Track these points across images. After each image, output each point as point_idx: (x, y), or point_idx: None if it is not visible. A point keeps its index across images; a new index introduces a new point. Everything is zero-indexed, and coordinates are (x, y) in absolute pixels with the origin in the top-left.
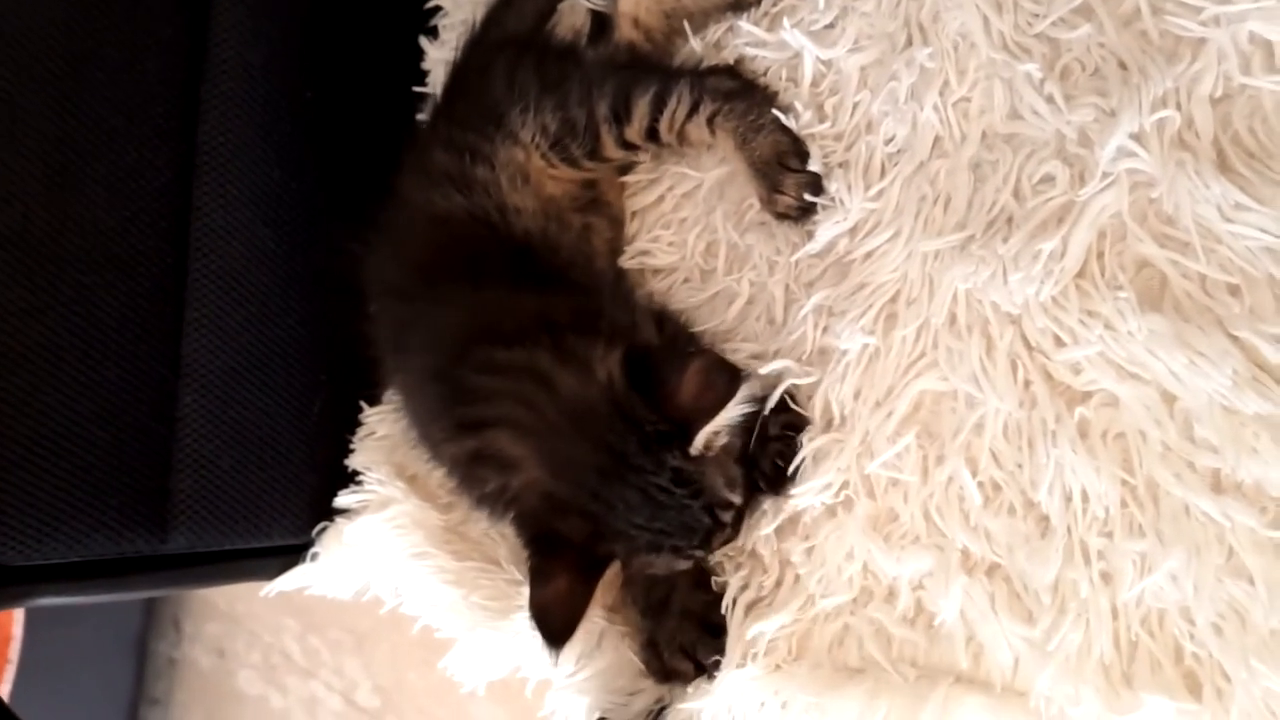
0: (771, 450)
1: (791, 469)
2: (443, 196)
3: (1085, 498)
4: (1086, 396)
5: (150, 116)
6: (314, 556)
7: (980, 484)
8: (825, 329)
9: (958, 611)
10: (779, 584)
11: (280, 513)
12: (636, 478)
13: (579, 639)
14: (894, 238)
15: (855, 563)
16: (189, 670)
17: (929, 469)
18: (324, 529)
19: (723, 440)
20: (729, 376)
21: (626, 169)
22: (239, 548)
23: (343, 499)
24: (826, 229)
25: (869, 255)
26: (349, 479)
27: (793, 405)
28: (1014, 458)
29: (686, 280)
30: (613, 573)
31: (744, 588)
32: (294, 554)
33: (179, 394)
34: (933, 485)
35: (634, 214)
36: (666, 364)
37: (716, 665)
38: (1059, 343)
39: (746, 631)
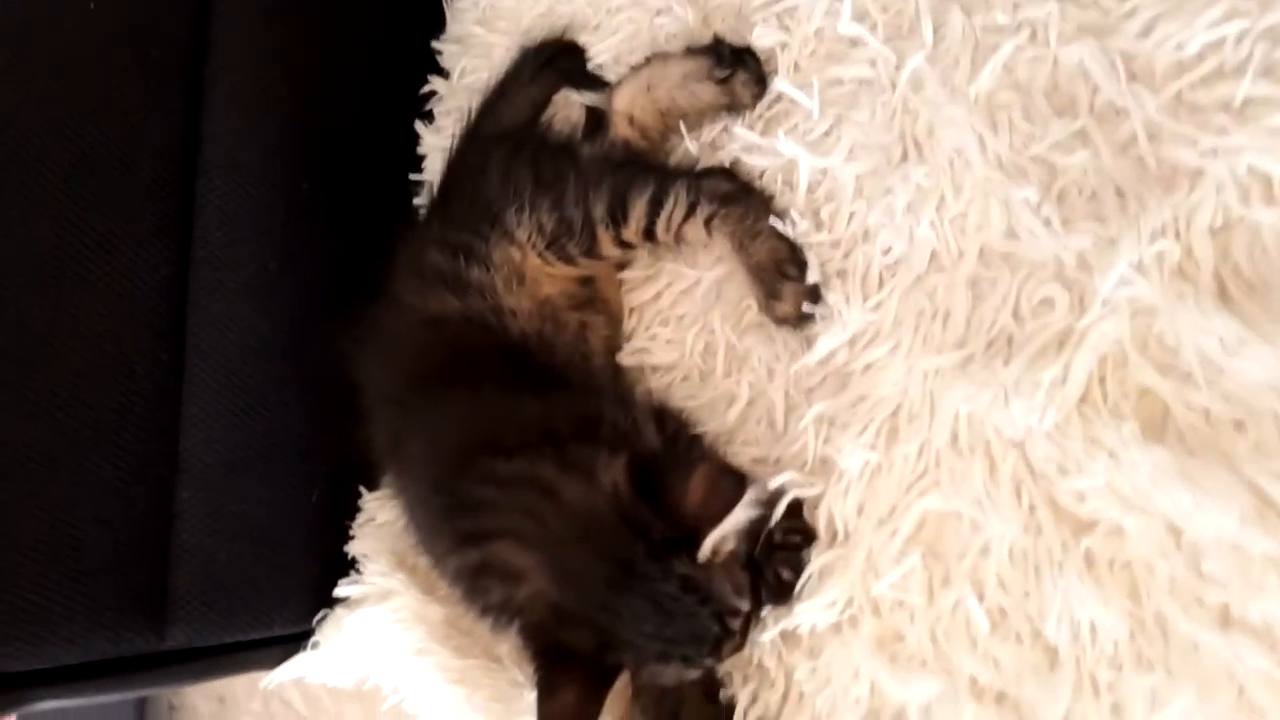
0: (778, 560)
1: (800, 583)
2: (437, 299)
3: (1094, 630)
4: (1092, 525)
5: (145, 217)
6: (314, 645)
7: (987, 610)
8: (827, 440)
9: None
10: (785, 699)
11: (280, 602)
12: (644, 586)
13: None
14: (893, 350)
15: (862, 683)
16: None
17: (934, 591)
18: (324, 617)
19: (730, 546)
20: (735, 482)
21: (624, 264)
22: (239, 640)
23: (343, 589)
24: (825, 340)
25: (869, 367)
26: (349, 565)
27: (796, 515)
28: (1021, 585)
29: (685, 379)
30: (622, 683)
31: (753, 701)
32: (295, 643)
33: (176, 490)
34: (939, 609)
35: (632, 310)
36: (671, 471)
37: None
38: (1063, 470)
39: None
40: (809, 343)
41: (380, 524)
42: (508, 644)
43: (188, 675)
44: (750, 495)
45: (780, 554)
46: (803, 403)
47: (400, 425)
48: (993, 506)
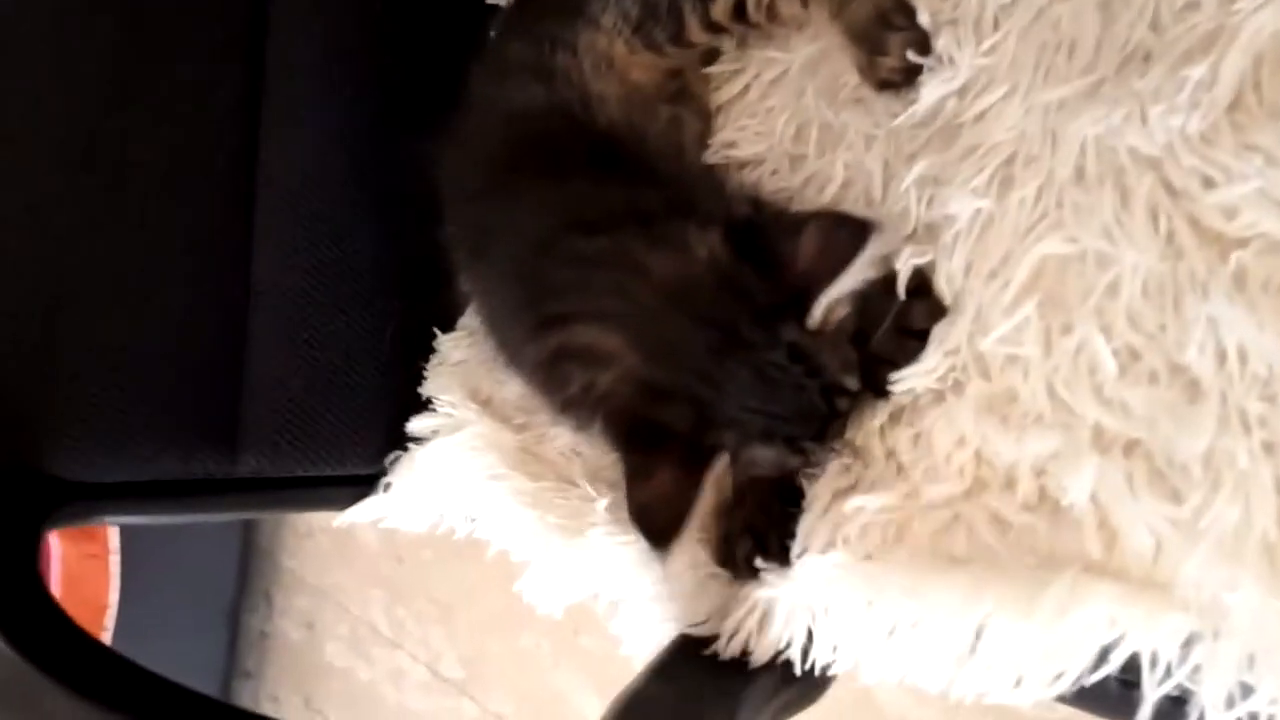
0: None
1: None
2: (519, 88)
3: (1243, 357)
4: (1243, 243)
5: (216, 31)
6: (387, 487)
7: (1115, 351)
8: (930, 200)
9: (1088, 494)
10: (881, 478)
11: (353, 440)
12: (749, 354)
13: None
14: (1010, 94)
15: (967, 449)
16: (279, 643)
17: (1053, 340)
18: (397, 458)
19: (842, 312)
20: (854, 229)
21: (711, 58)
22: (310, 474)
23: (415, 424)
24: (932, 89)
25: (981, 116)
26: (423, 407)
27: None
28: (1156, 319)
29: (775, 172)
30: (721, 467)
31: (843, 472)
32: (367, 484)
33: (249, 316)
34: (1058, 358)
35: (719, 109)
36: (776, 229)
37: (786, 551)
38: (1208, 184)
39: (844, 507)
40: (914, 103)
41: (455, 364)
42: (579, 465)
43: (257, 504)
44: (871, 248)
45: (911, 343)
46: (903, 169)
47: (481, 220)
48: (1125, 237)
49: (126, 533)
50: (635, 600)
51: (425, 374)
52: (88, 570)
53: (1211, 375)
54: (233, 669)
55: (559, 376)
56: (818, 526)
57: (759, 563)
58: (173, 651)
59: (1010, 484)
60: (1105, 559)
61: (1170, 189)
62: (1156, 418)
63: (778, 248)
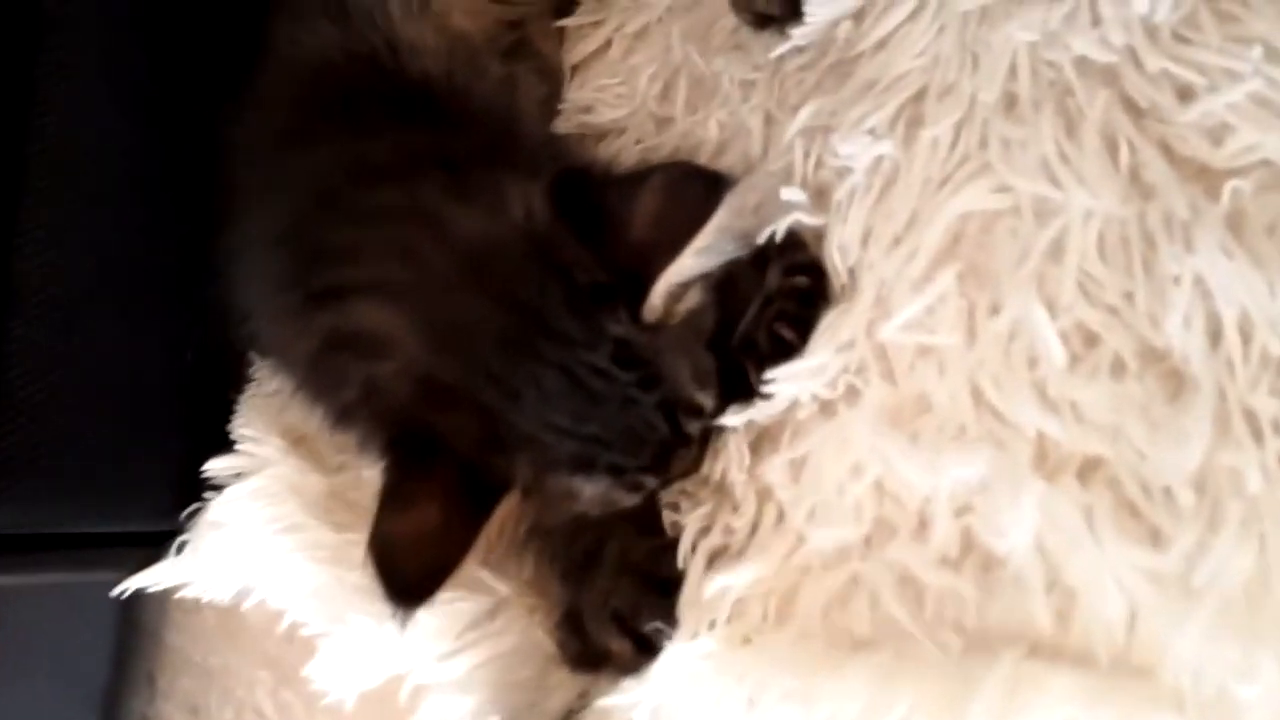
0: (772, 315)
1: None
2: (310, 32)
3: (1245, 332)
4: (1238, 173)
5: None
6: (181, 547)
7: (1062, 334)
8: (819, 155)
9: (1031, 540)
10: (756, 526)
11: (140, 488)
12: (558, 351)
13: (455, 611)
14: (918, 9)
15: (864, 479)
16: None
17: (977, 323)
18: (195, 509)
19: (692, 302)
20: (706, 185)
21: (564, 8)
22: (84, 531)
23: (213, 466)
24: (821, 10)
25: (882, 43)
26: (231, 447)
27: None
28: (1119, 285)
29: (639, 141)
30: (507, 509)
31: (705, 529)
32: (156, 544)
33: (7, 324)
34: (984, 347)
35: (574, 69)
36: (615, 186)
37: (660, 636)
38: (1185, 95)
39: (706, 589)
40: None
41: (273, 393)
42: None
43: (14, 568)
44: (728, 207)
45: (780, 303)
46: (788, 120)
47: (249, 181)
48: (1072, 177)
49: None
50: (441, 686)
51: (237, 406)
52: None
53: (1201, 359)
54: None
55: (333, 373)
56: (685, 609)
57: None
58: None
59: (923, 527)
60: (1059, 635)
61: (1132, 108)
62: (1124, 425)
63: (614, 208)
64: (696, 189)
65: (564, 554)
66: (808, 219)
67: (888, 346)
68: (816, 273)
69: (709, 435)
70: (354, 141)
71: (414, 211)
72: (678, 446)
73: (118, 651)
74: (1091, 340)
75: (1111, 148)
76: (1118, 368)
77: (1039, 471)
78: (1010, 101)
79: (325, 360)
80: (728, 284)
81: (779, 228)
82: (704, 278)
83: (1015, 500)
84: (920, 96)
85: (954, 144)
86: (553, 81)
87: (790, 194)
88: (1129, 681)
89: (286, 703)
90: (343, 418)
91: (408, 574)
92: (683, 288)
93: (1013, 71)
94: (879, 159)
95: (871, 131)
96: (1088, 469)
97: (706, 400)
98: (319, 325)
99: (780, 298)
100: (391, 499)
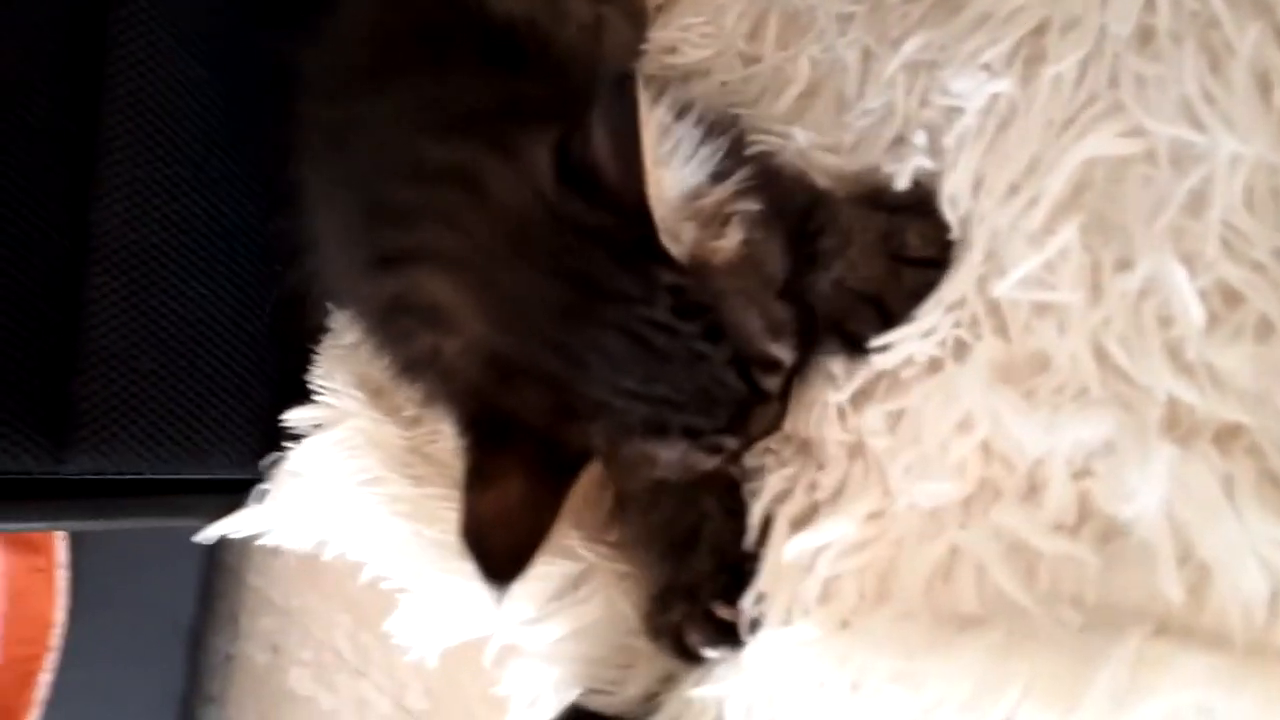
0: (906, 283)
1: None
2: None
3: None
4: None
5: None
6: (261, 495)
7: (1202, 293)
8: (924, 93)
9: (1162, 509)
10: (844, 483)
11: (219, 436)
12: (617, 311)
13: (542, 575)
14: None
15: (971, 436)
16: (244, 667)
17: (1104, 280)
18: (276, 460)
19: (733, 238)
20: (616, 92)
21: None
22: (163, 477)
23: (293, 416)
24: None
25: None
26: (309, 397)
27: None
28: (1268, 239)
29: (724, 83)
30: (589, 477)
31: (785, 493)
32: (238, 491)
33: (86, 274)
34: (1111, 305)
35: (658, 9)
36: (579, 140)
37: (748, 626)
38: None
39: (786, 549)
40: None
41: (351, 344)
42: None
43: (92, 512)
44: (645, 99)
45: (909, 273)
46: (889, 55)
47: (332, 122)
48: (1218, 119)
49: (77, 545)
50: (527, 651)
51: (314, 357)
52: (33, 585)
53: None
54: (194, 694)
55: (399, 331)
56: (773, 583)
57: (704, 650)
58: (127, 674)
59: (1035, 490)
60: (1191, 613)
61: None
62: (1268, 391)
63: (590, 164)
64: (617, 102)
65: (665, 531)
66: (928, 163)
67: (1001, 303)
68: (940, 242)
69: (789, 390)
70: (427, 87)
71: (464, 174)
72: (755, 404)
73: (202, 590)
74: (1234, 300)
75: (1264, 87)
76: (1263, 330)
77: (1169, 435)
78: (1146, 35)
79: (392, 318)
80: (809, 225)
81: (900, 176)
82: (739, 213)
83: (1144, 464)
84: (1041, 30)
85: (1079, 81)
86: (638, 23)
87: (907, 131)
88: (1268, 665)
89: (365, 645)
90: (408, 370)
91: (499, 550)
92: (710, 218)
93: (1149, 2)
94: (994, 98)
95: (987, 67)
96: (1225, 436)
97: (783, 353)
98: (385, 289)
99: (910, 267)
100: (475, 478)
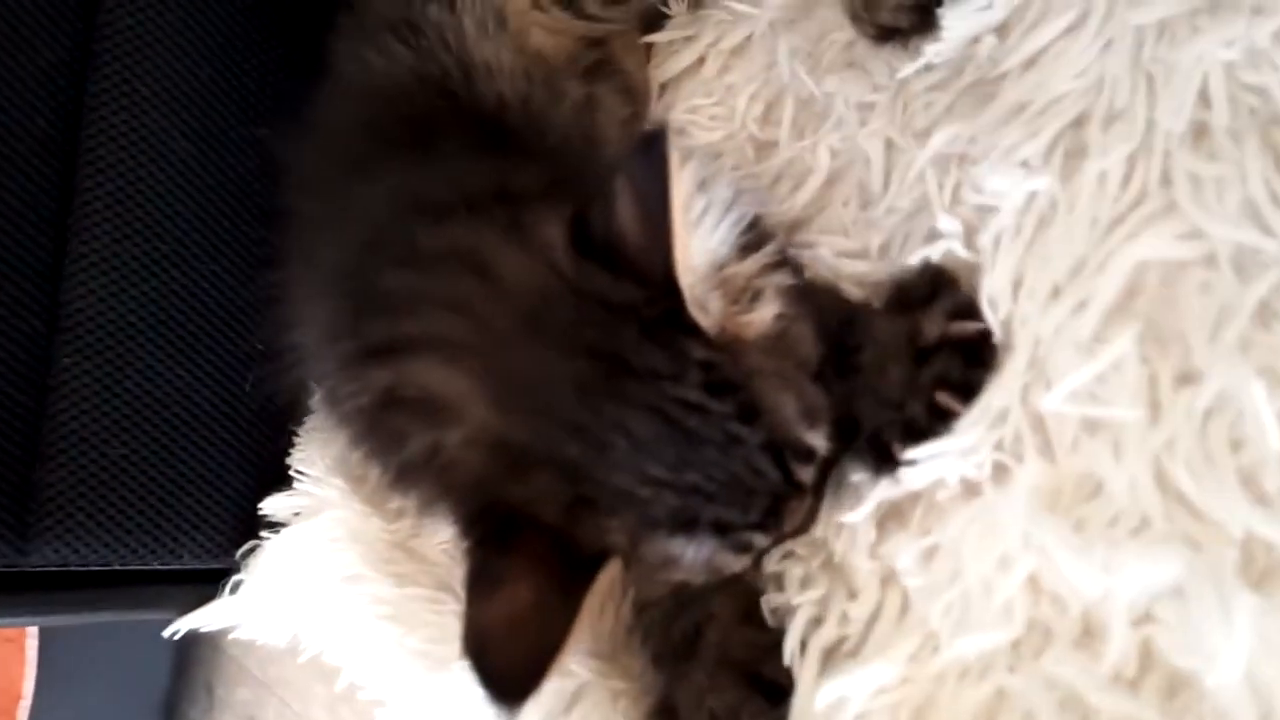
0: (934, 377)
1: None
2: (379, 53)
3: None
4: None
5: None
6: (235, 587)
7: (1278, 413)
8: (957, 188)
9: (1241, 663)
10: (876, 616)
11: (192, 525)
12: (645, 390)
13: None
14: (1078, 22)
15: (1015, 573)
16: None
17: (1162, 393)
18: (251, 549)
19: (768, 312)
20: (649, 149)
21: (652, 23)
22: (132, 568)
23: (271, 504)
24: (960, 23)
25: (1032, 61)
26: (290, 483)
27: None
28: None
29: (736, 167)
30: (608, 580)
31: (817, 621)
32: (211, 582)
33: (54, 354)
34: (1173, 424)
35: (664, 86)
36: (601, 208)
37: None
38: None
39: (819, 697)
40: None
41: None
42: (462, 569)
43: (59, 606)
44: (694, 167)
45: (943, 363)
46: (915, 147)
47: (316, 216)
48: None
49: None
50: None
51: (298, 440)
52: (2, 656)
53: None
54: None
55: (390, 432)
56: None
57: None
58: None
59: (1091, 634)
60: None
61: None
62: None
63: (612, 233)
64: (646, 162)
65: (659, 636)
66: (961, 251)
67: (1046, 418)
68: (978, 323)
69: (823, 487)
70: (419, 174)
71: (469, 258)
72: (790, 497)
73: (177, 660)
74: None
75: None
76: None
77: (1246, 578)
78: (1200, 132)
79: (383, 419)
80: (845, 321)
81: (927, 259)
82: (777, 290)
83: (1220, 615)
84: (1081, 123)
85: (1127, 179)
86: (638, 101)
87: (944, 223)
88: None
89: (343, 718)
90: (402, 477)
91: (509, 664)
92: (739, 291)
93: (1203, 96)
94: (1032, 195)
95: (1024, 164)
96: None
97: (818, 441)
98: (375, 382)
99: (945, 354)
100: (480, 582)
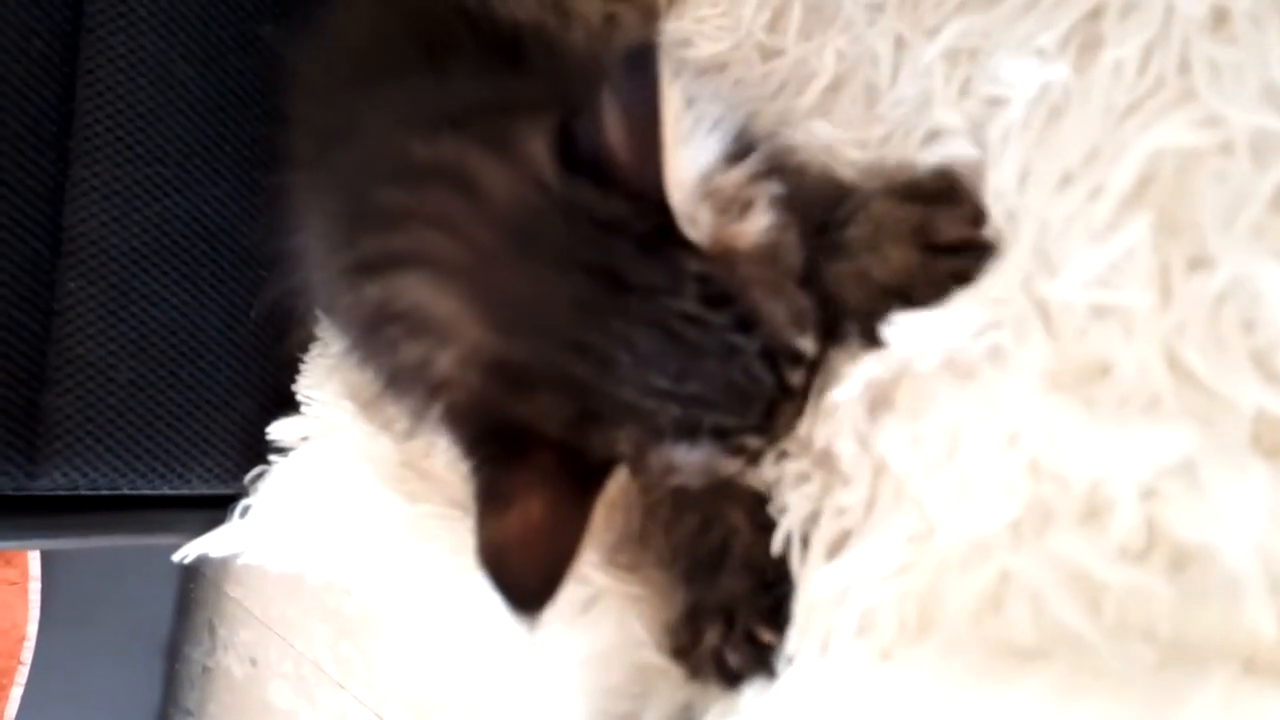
0: (950, 267)
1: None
2: None
3: None
4: None
5: None
6: (244, 511)
7: None
8: (967, 82)
9: (1249, 534)
10: (872, 504)
11: (200, 450)
12: (647, 305)
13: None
14: None
15: (1018, 451)
16: (222, 680)
17: (1175, 282)
18: (259, 474)
19: (760, 223)
20: (639, 62)
21: None
22: (140, 494)
23: (279, 428)
24: None
25: None
26: (297, 408)
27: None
28: None
29: (739, 80)
30: (615, 486)
31: (813, 515)
32: (219, 507)
33: (58, 278)
34: (1185, 308)
35: (670, 2)
36: (586, 121)
37: (778, 649)
38: None
39: (822, 584)
40: None
41: (340, 353)
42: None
43: (66, 529)
44: (669, 75)
45: (956, 260)
46: (924, 44)
47: (326, 127)
48: None
49: (49, 558)
50: (536, 678)
51: (303, 366)
52: (6, 598)
53: None
54: (171, 708)
55: (383, 341)
56: (806, 614)
57: (747, 674)
58: (101, 687)
59: (1096, 514)
60: None
61: None
62: None
63: (600, 147)
64: (635, 77)
65: (689, 548)
66: (966, 150)
67: (1050, 304)
68: (975, 230)
69: (809, 388)
70: (423, 88)
71: (454, 173)
72: (782, 400)
73: (179, 602)
74: None
75: None
76: None
77: (1258, 449)
78: (1220, 17)
79: (376, 329)
80: (835, 214)
81: (930, 160)
82: (769, 198)
83: (1231, 485)
84: (1097, 14)
85: (1144, 68)
86: (651, 18)
87: (944, 117)
88: None
89: (346, 657)
90: (394, 382)
91: (526, 575)
92: (729, 201)
93: None
94: (1045, 86)
95: (1040, 53)
96: None
97: (807, 345)
98: (368, 297)
99: (961, 256)
100: (489, 500)
